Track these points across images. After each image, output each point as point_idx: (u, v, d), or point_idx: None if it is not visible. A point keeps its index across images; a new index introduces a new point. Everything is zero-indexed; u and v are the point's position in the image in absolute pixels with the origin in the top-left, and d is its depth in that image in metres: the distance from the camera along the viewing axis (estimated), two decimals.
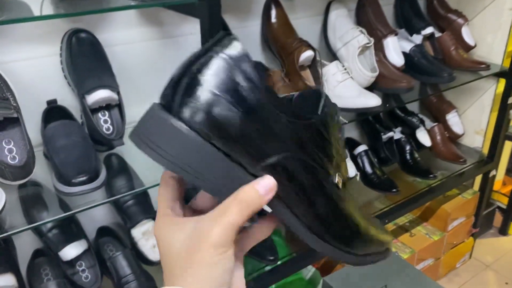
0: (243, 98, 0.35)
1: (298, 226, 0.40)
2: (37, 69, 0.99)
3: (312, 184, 0.39)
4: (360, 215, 0.44)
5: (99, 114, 0.99)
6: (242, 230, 0.44)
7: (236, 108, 0.35)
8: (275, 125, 0.36)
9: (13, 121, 0.87)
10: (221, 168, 0.36)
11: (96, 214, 1.18)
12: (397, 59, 1.40)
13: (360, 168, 1.57)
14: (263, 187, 0.36)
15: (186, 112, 0.35)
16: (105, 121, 0.99)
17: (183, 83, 0.35)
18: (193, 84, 0.35)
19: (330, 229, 0.41)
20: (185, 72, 0.35)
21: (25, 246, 1.08)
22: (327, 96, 0.41)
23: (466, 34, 1.65)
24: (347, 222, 0.42)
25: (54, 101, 1.02)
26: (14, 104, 0.87)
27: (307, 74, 1.28)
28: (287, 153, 0.37)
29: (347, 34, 1.34)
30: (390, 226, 1.76)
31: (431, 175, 1.64)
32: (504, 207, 2.09)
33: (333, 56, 1.39)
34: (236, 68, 0.35)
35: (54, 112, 1.00)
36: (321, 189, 0.40)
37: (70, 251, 1.02)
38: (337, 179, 0.41)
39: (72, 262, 1.04)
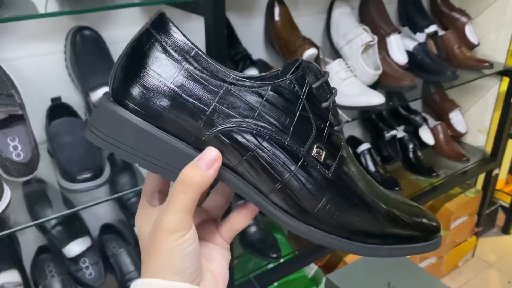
0: (170, 72, 0.35)
1: (266, 206, 0.37)
2: (41, 67, 0.99)
3: (274, 157, 0.36)
4: (376, 195, 0.39)
5: None
6: (228, 213, 0.43)
7: (165, 84, 0.35)
8: (207, 94, 0.35)
9: (18, 118, 0.87)
10: (163, 145, 0.36)
11: (100, 211, 1.19)
12: (400, 57, 1.40)
13: (363, 167, 1.56)
14: (204, 161, 0.35)
15: (122, 95, 0.36)
16: None
17: (119, 68, 0.36)
18: (127, 67, 0.36)
19: (311, 210, 0.37)
20: (121, 57, 0.36)
21: (29, 242, 1.09)
22: (305, 62, 0.38)
23: (470, 32, 1.65)
24: (344, 203, 0.37)
25: (59, 98, 1.02)
26: (18, 101, 0.87)
27: None
28: (231, 124, 0.35)
29: (351, 32, 1.34)
30: None
31: (434, 174, 1.64)
32: (507, 206, 2.09)
33: (336, 54, 1.39)
34: (155, 36, 0.36)
35: (58, 109, 1.00)
36: (288, 163, 0.36)
37: (74, 248, 1.02)
38: (315, 151, 0.37)
39: (76, 259, 1.04)
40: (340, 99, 1.27)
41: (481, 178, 1.95)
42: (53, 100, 1.01)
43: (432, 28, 1.53)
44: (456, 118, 1.83)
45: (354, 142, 1.62)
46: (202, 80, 0.35)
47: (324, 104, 0.38)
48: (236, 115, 0.35)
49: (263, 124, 0.36)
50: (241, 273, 1.28)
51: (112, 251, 1.10)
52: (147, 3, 1.03)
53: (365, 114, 1.52)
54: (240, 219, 0.42)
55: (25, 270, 1.02)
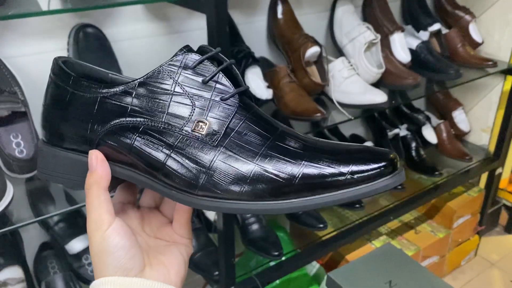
0: (60, 99, 0.43)
1: (162, 189, 0.40)
2: (44, 64, 0.99)
3: (151, 144, 0.39)
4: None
5: None
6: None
7: (58, 112, 0.43)
8: (86, 109, 0.41)
9: (21, 115, 0.87)
10: (72, 162, 0.42)
11: None
12: (403, 56, 1.39)
13: None
14: (89, 164, 0.40)
15: (42, 133, 0.45)
16: None
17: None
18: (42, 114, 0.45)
19: (197, 182, 0.38)
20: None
21: (32, 239, 1.09)
22: (188, 47, 0.41)
23: (474, 30, 1.64)
24: (233, 167, 0.37)
25: None
26: (21, 98, 0.87)
27: (313, 70, 1.28)
28: (109, 127, 0.40)
29: (354, 30, 1.33)
30: (395, 223, 1.75)
31: (437, 173, 1.63)
32: (510, 205, 2.08)
33: (339, 52, 1.39)
34: (51, 77, 0.43)
35: None
36: (165, 145, 0.39)
37: (77, 245, 1.03)
38: (195, 126, 0.38)
39: (78, 256, 1.05)
40: (342, 98, 1.27)
41: (484, 177, 1.94)
42: None
43: (436, 26, 1.53)
44: (459, 116, 1.83)
45: (356, 140, 1.62)
46: (80, 100, 0.41)
47: (205, 80, 0.39)
48: (113, 117, 0.40)
49: (136, 117, 0.39)
50: (243, 271, 1.29)
51: None
52: (150, 0, 1.03)
53: (368, 113, 1.52)
54: (180, 214, 0.45)
55: (28, 266, 1.02)
